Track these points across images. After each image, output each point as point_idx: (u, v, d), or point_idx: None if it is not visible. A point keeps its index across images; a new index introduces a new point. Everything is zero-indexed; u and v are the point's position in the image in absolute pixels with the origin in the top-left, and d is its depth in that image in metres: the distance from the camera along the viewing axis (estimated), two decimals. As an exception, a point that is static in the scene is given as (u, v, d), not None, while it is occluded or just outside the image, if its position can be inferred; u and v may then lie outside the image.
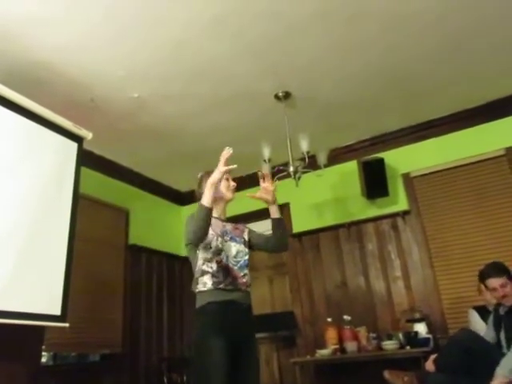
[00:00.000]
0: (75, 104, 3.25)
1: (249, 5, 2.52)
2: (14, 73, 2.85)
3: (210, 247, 2.17)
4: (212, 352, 1.98)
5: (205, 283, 2.13)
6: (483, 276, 2.69)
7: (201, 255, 2.17)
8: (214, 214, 2.25)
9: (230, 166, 2.09)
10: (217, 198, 2.27)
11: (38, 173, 2.83)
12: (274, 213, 2.28)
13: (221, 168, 2.07)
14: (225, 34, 2.76)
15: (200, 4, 2.50)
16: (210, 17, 2.60)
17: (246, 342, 2.14)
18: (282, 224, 2.32)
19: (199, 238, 2.10)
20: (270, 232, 2.32)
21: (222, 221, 2.34)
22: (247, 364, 2.11)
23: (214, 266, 2.14)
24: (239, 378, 2.05)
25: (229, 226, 2.33)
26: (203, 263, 2.15)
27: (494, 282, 2.61)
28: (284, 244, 2.34)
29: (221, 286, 2.12)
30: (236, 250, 2.26)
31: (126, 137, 3.85)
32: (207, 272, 2.13)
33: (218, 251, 2.18)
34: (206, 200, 2.05)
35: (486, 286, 2.72)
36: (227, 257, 2.20)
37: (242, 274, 2.21)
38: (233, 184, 2.38)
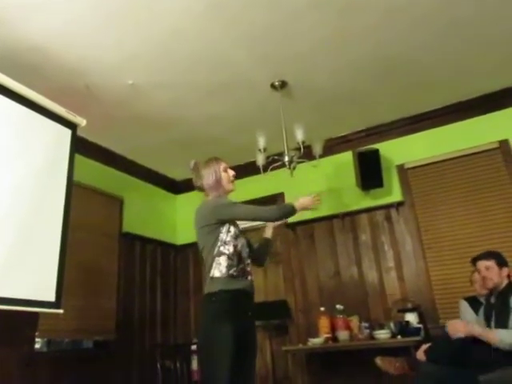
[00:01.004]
0: (69, 90, 3.21)
1: (246, -8, 2.50)
2: (7, 58, 2.81)
3: (229, 231, 2.27)
4: (222, 337, 2.07)
5: (220, 264, 2.21)
6: (474, 259, 2.75)
7: (221, 237, 2.25)
8: None
9: (314, 207, 2.53)
10: (220, 191, 2.37)
11: (32, 160, 2.80)
12: (271, 234, 2.65)
13: (310, 206, 2.48)
14: (221, 22, 2.73)
15: (197, -10, 2.47)
16: (206, 5, 2.57)
17: (250, 326, 2.26)
18: (272, 245, 2.72)
19: (268, 220, 2.47)
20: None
21: None
22: (249, 346, 2.23)
23: (231, 248, 2.24)
24: (241, 356, 2.13)
25: None
26: (222, 244, 2.24)
27: (482, 263, 2.68)
28: (265, 261, 2.67)
29: (232, 270, 2.21)
30: (243, 240, 2.36)
31: (121, 124, 3.82)
32: (224, 253, 2.22)
33: (236, 236, 2.29)
34: (299, 209, 2.41)
35: (476, 270, 2.77)
36: (240, 244, 2.30)
37: (247, 262, 2.33)
38: (232, 174, 2.47)
